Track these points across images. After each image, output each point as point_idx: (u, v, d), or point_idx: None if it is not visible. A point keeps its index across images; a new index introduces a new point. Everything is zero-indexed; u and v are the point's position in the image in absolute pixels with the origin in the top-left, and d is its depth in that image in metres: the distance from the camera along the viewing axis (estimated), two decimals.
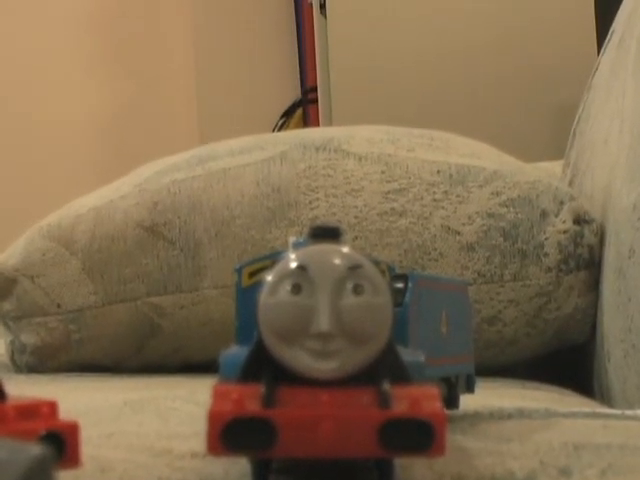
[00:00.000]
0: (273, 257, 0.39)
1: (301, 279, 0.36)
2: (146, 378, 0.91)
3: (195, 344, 0.98)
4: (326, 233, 0.38)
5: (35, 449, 0.24)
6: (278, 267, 0.37)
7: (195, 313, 0.96)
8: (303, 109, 2.64)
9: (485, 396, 0.61)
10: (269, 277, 0.36)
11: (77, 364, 1.00)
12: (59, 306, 0.99)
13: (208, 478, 0.40)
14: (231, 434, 0.34)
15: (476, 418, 0.55)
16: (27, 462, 0.23)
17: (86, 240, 0.99)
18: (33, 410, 0.34)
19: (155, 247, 0.97)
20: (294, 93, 2.65)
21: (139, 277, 0.97)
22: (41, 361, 1.00)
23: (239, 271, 0.43)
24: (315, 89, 2.21)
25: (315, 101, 2.28)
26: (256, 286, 0.38)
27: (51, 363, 1.00)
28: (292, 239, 0.40)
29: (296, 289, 0.36)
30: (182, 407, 0.63)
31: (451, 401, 0.52)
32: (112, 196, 1.01)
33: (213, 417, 0.34)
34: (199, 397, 0.65)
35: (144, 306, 0.97)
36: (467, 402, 0.55)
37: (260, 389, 0.35)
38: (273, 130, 2.58)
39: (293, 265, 0.36)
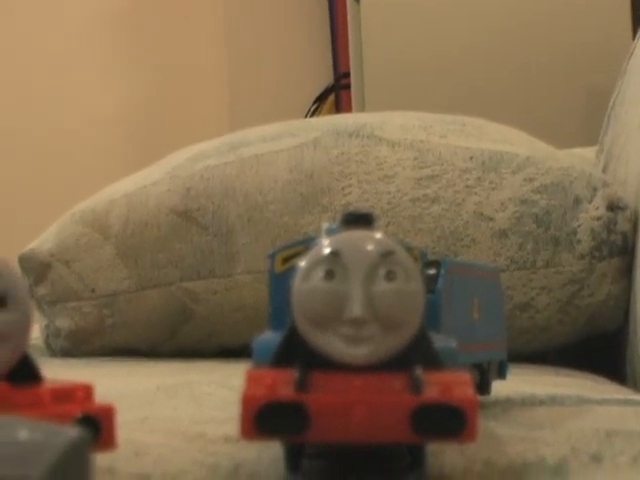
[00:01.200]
0: (306, 243, 0.39)
1: (334, 265, 0.36)
2: (180, 363, 0.91)
3: (228, 329, 0.98)
4: (359, 219, 0.38)
5: (71, 432, 0.24)
6: (311, 253, 0.37)
7: (228, 298, 0.96)
8: (336, 95, 2.64)
9: (517, 382, 0.61)
10: (302, 263, 0.37)
11: (111, 348, 1.01)
12: (93, 291, 0.99)
13: (241, 462, 0.41)
14: (264, 418, 0.34)
15: (508, 405, 0.55)
16: (64, 445, 0.23)
17: (120, 225, 0.99)
18: (69, 393, 0.35)
19: (189, 232, 0.97)
20: (327, 79, 2.64)
21: (172, 262, 0.97)
22: (75, 345, 1.01)
23: (272, 257, 0.43)
24: (348, 74, 2.21)
25: (348, 87, 2.28)
26: (289, 272, 0.38)
27: (85, 347, 1.01)
28: (325, 225, 0.40)
29: (329, 275, 0.36)
30: (216, 392, 0.63)
31: (483, 387, 0.53)
32: (144, 182, 1.02)
33: (246, 401, 0.34)
34: (233, 382, 0.65)
35: (178, 291, 0.97)
36: (499, 389, 0.55)
37: (293, 374, 0.35)
38: (305, 116, 2.58)
39: (326, 251, 0.36)
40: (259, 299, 0.95)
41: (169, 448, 0.43)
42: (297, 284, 0.36)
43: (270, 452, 0.41)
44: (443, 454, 0.41)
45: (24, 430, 0.24)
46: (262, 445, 0.41)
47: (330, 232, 0.38)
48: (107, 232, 1.00)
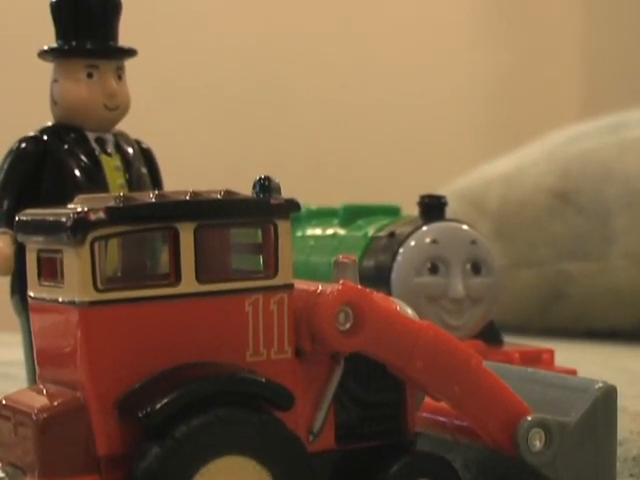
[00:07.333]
0: None
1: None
2: None
3: (599, 312, 0.98)
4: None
5: (599, 383, 0.26)
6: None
7: (602, 281, 0.97)
8: None
9: None
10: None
11: None
12: None
13: None
14: None
15: None
16: (595, 393, 0.26)
17: (497, 204, 1.02)
18: (536, 355, 0.37)
19: (565, 213, 0.98)
20: None
21: (548, 243, 0.99)
22: None
23: None
24: None
25: None
26: None
27: None
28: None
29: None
30: None
31: None
32: (522, 162, 1.03)
33: None
34: None
35: (551, 272, 0.98)
36: None
37: None
38: None
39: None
40: (634, 284, 0.94)
41: None
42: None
43: None
44: None
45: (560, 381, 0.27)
46: None
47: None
48: (484, 210, 1.02)
